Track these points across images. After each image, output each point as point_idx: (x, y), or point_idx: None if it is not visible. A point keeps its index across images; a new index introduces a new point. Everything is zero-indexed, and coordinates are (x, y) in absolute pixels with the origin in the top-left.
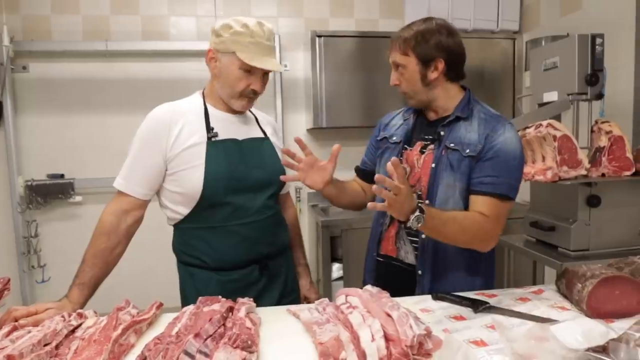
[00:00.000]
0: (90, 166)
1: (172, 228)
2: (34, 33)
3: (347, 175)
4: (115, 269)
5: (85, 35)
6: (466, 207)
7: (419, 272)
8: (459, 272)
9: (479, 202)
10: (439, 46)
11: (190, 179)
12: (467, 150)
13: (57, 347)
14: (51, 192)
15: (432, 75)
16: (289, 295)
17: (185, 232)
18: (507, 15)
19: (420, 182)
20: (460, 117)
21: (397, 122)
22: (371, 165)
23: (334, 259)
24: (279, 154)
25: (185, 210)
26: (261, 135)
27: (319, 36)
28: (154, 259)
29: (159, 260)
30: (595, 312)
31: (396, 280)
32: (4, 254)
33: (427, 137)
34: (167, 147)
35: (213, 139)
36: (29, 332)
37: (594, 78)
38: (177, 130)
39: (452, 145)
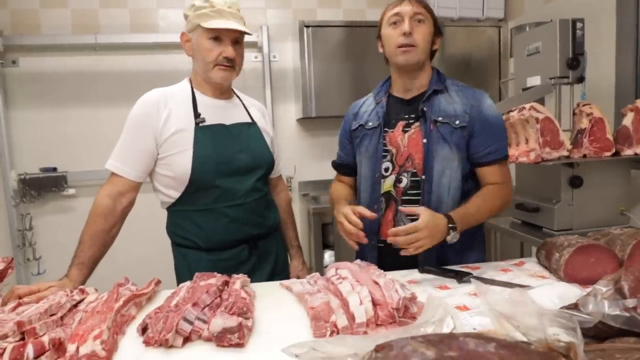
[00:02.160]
0: (82, 159)
1: (164, 214)
2: (22, 27)
3: None
4: (111, 259)
5: (75, 29)
6: (463, 178)
7: None
8: (457, 247)
9: (490, 173)
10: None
11: (179, 163)
12: (457, 122)
13: (61, 318)
14: (44, 185)
15: (434, 47)
16: (280, 274)
17: (177, 215)
18: (492, 3)
19: (412, 160)
20: (437, 91)
21: (367, 108)
22: (347, 157)
23: (326, 245)
24: (266, 138)
25: (175, 194)
26: (248, 120)
27: (307, 26)
28: (149, 247)
29: (153, 249)
30: (571, 279)
31: (398, 263)
32: None
33: (407, 115)
34: (157, 130)
35: (200, 124)
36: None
37: (575, 62)
38: (166, 114)
39: (440, 118)
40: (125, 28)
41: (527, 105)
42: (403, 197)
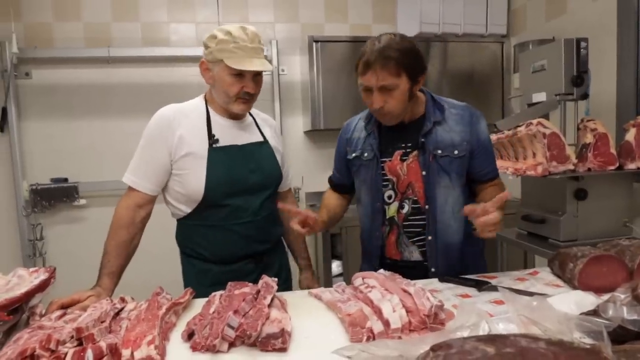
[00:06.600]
0: (93, 170)
1: (172, 226)
2: (36, 40)
3: None
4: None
5: (87, 42)
6: (465, 199)
7: (432, 269)
8: (468, 262)
9: (490, 189)
10: (422, 62)
11: (192, 182)
12: (456, 152)
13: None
14: (56, 195)
15: (416, 89)
16: (282, 285)
17: (187, 227)
18: (495, 20)
19: (413, 188)
20: (435, 122)
21: (359, 135)
22: (343, 179)
23: (334, 256)
24: (277, 156)
25: (187, 209)
26: (260, 139)
27: (316, 41)
28: (156, 258)
29: (162, 263)
30: (585, 287)
31: (405, 275)
32: (9, 258)
33: (403, 144)
34: (172, 146)
35: (214, 145)
36: (79, 315)
37: (579, 79)
38: (181, 132)
39: (439, 152)
40: (137, 41)
41: (535, 121)
42: (404, 223)
